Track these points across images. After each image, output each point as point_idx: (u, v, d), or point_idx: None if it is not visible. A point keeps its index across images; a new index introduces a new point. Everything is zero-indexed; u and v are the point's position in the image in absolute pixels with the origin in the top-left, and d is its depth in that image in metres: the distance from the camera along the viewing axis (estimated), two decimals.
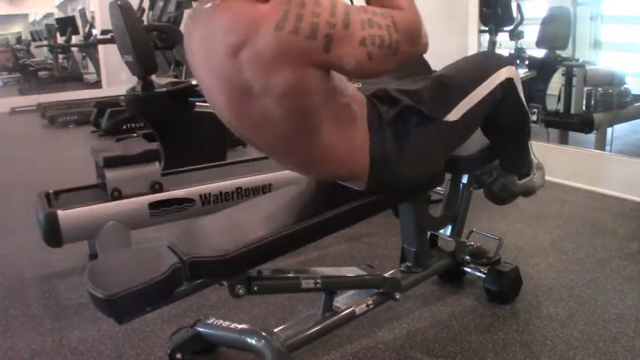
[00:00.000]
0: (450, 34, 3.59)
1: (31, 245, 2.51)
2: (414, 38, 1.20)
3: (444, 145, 1.46)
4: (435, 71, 1.56)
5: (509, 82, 1.50)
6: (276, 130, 1.23)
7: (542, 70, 3.56)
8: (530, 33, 3.61)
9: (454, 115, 1.41)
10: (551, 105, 3.57)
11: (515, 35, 3.58)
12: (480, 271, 1.85)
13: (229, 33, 1.12)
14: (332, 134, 1.26)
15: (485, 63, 1.55)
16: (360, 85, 1.63)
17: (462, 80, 1.46)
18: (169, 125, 2.99)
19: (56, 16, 9.85)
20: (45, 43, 9.56)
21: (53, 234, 2.03)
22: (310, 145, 1.27)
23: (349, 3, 1.17)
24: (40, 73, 9.27)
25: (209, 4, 1.16)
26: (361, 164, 1.33)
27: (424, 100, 1.38)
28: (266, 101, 1.16)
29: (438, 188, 2.03)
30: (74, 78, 8.99)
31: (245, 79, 1.14)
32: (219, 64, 1.16)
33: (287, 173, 2.17)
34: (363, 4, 1.22)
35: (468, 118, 1.44)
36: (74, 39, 8.19)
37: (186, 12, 4.76)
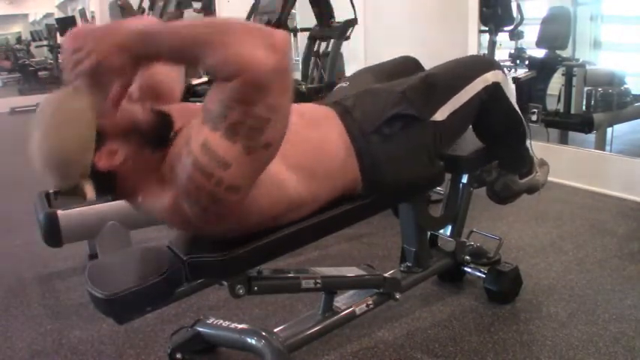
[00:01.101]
0: (450, 34, 3.60)
1: (31, 245, 2.51)
2: (265, 88, 0.96)
3: (433, 145, 1.46)
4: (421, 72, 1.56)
5: (495, 87, 1.50)
6: (261, 227, 1.24)
7: (542, 70, 3.55)
8: (530, 33, 3.60)
9: (440, 115, 1.42)
10: (551, 105, 3.56)
11: (515, 35, 3.57)
12: (480, 271, 1.85)
13: (173, 223, 1.18)
14: (315, 184, 1.26)
15: (472, 65, 1.56)
16: (348, 83, 1.64)
17: (447, 81, 1.47)
18: None
19: (56, 16, 9.84)
20: (45, 43, 9.56)
21: (53, 234, 2.02)
22: (296, 208, 1.25)
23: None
24: (40, 73, 9.26)
25: (139, 200, 1.17)
26: (352, 176, 1.34)
27: (410, 101, 1.38)
28: (235, 229, 1.19)
29: (438, 188, 2.03)
30: None
31: (210, 232, 1.18)
32: (181, 229, 1.25)
33: None
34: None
35: (454, 118, 1.44)
36: None
37: (186, 12, 4.77)
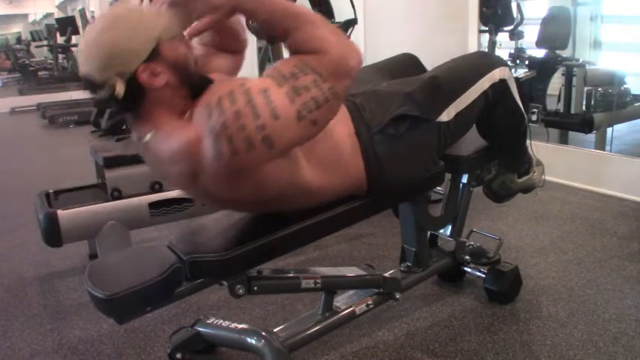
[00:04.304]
0: (450, 34, 3.60)
1: (31, 245, 2.52)
2: (343, 72, 1.11)
3: (437, 145, 1.46)
4: (428, 71, 1.56)
5: (502, 84, 1.50)
6: (261, 206, 1.28)
7: (542, 70, 3.55)
8: (530, 33, 3.60)
9: (446, 116, 1.42)
10: (551, 105, 3.56)
11: (515, 35, 3.57)
12: (480, 271, 1.85)
13: (176, 165, 1.12)
14: (320, 176, 1.27)
15: (478, 63, 1.55)
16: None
17: (454, 81, 1.46)
18: None
19: (56, 16, 9.85)
20: (45, 43, 9.56)
21: (53, 234, 2.03)
22: (301, 197, 1.27)
23: (263, 79, 1.10)
24: (40, 73, 9.26)
25: (145, 139, 1.14)
26: (357, 174, 1.34)
27: (416, 101, 1.38)
28: (241, 200, 1.21)
29: (438, 188, 2.03)
30: (74, 78, 8.96)
31: (213, 191, 1.16)
32: (182, 182, 1.21)
33: None
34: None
35: (460, 118, 1.44)
36: (74, 39, 8.18)
37: None
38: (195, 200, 1.31)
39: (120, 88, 1.05)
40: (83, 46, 1.08)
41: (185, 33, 1.13)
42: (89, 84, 1.08)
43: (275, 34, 1.14)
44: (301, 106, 1.07)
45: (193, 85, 1.13)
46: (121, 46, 1.04)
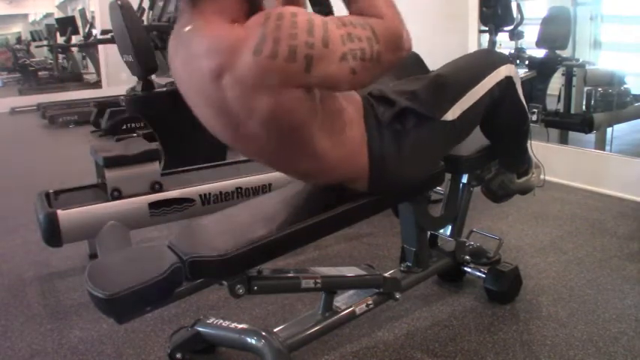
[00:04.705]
0: (450, 34, 3.60)
1: (31, 245, 2.52)
2: (395, 45, 1.17)
3: (442, 145, 1.46)
4: (432, 71, 1.56)
5: (508, 81, 1.49)
6: (268, 147, 1.24)
7: (542, 70, 3.56)
8: (530, 33, 3.61)
9: (452, 115, 1.41)
10: (551, 105, 3.57)
11: (515, 35, 3.57)
12: (480, 271, 1.85)
13: (209, 58, 1.10)
14: (327, 143, 1.25)
15: (484, 61, 1.55)
16: None
17: (460, 79, 1.46)
18: (169, 125, 2.99)
19: (56, 16, 9.84)
20: (45, 43, 9.55)
21: (53, 234, 2.02)
22: (306, 157, 1.27)
23: (325, 17, 1.14)
24: (40, 73, 9.25)
25: (188, 27, 1.14)
26: (360, 166, 1.34)
27: (422, 100, 1.37)
28: (253, 122, 1.16)
29: (438, 188, 2.03)
30: (74, 78, 8.98)
31: (229, 103, 1.13)
32: (202, 87, 1.15)
33: None
34: (345, 13, 1.21)
35: (465, 117, 1.43)
36: (74, 39, 8.18)
37: None
38: (204, 122, 1.26)
39: None
40: None
41: None
42: None
43: None
44: (349, 50, 1.11)
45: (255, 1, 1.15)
46: None
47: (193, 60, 1.14)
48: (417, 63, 1.75)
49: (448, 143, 1.49)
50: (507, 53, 3.62)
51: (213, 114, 1.19)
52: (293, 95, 1.12)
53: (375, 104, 1.37)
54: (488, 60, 1.55)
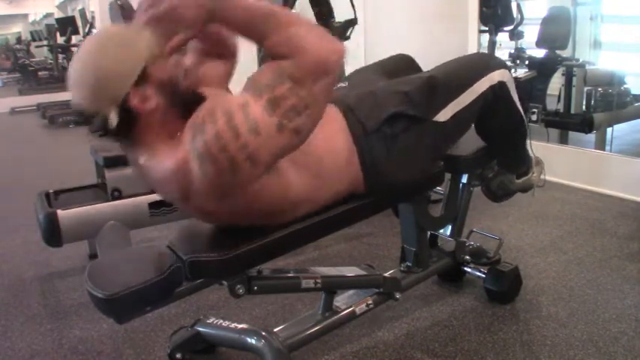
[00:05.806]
0: (450, 34, 3.60)
1: (31, 245, 2.52)
2: (323, 72, 1.08)
3: (434, 145, 1.46)
4: (426, 71, 1.56)
5: (501, 86, 1.49)
6: (258, 220, 1.25)
7: (542, 70, 3.55)
8: (530, 33, 3.60)
9: (443, 116, 1.41)
10: (551, 105, 3.56)
11: (515, 35, 3.57)
12: (480, 271, 1.85)
13: (170, 188, 1.14)
14: (317, 182, 1.26)
15: (478, 65, 1.54)
16: (347, 83, 1.63)
17: (452, 81, 1.46)
18: None
19: (56, 16, 9.84)
20: (45, 43, 9.55)
21: (53, 234, 2.02)
22: (298, 203, 1.26)
23: (240, 96, 1.09)
24: (40, 73, 9.25)
25: (142, 159, 1.14)
26: (354, 176, 1.34)
27: (414, 101, 1.37)
28: (232, 215, 1.19)
29: (438, 188, 2.03)
30: None
31: (204, 210, 1.17)
32: (175, 202, 1.25)
33: None
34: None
35: (457, 119, 1.43)
36: (74, 39, 8.18)
37: None
38: (194, 217, 1.30)
39: (113, 117, 1.05)
40: (72, 75, 1.06)
41: (163, 51, 1.10)
42: (82, 114, 1.07)
43: (253, 40, 1.12)
44: (281, 117, 1.05)
45: (184, 104, 1.11)
46: (110, 72, 1.04)
47: (159, 188, 1.22)
48: (409, 65, 1.75)
49: (440, 144, 1.49)
50: (507, 53, 3.62)
51: (197, 215, 1.26)
52: (259, 186, 1.11)
53: (355, 110, 1.36)
54: (481, 64, 1.54)
